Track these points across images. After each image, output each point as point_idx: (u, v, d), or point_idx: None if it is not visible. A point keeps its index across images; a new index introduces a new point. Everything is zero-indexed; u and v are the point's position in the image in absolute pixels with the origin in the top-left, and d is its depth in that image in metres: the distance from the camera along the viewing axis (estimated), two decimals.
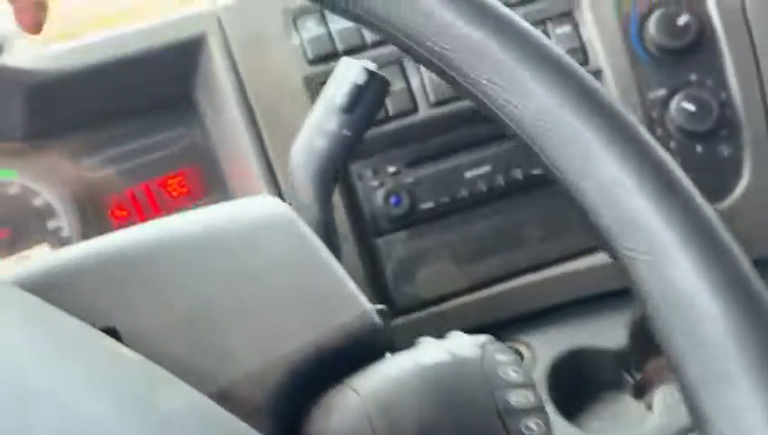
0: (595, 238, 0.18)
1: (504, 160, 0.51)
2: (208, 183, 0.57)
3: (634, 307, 0.52)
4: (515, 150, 0.51)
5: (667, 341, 0.16)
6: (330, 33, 0.51)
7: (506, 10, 0.19)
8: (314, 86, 0.50)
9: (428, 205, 0.51)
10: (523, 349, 0.52)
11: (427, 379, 0.23)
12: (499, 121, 0.19)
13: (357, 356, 0.24)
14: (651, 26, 0.51)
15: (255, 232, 0.25)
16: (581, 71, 0.18)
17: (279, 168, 0.49)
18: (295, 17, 0.51)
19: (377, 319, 0.25)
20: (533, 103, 0.18)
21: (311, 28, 0.51)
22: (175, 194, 0.56)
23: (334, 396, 0.23)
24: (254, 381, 0.22)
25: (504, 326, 0.52)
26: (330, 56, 0.51)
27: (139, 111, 0.54)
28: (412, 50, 0.19)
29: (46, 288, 0.19)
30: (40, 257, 0.50)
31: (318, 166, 0.34)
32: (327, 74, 0.50)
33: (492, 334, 0.26)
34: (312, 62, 0.51)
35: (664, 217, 0.16)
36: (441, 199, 0.51)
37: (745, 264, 0.16)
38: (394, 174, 0.51)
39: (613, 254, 0.17)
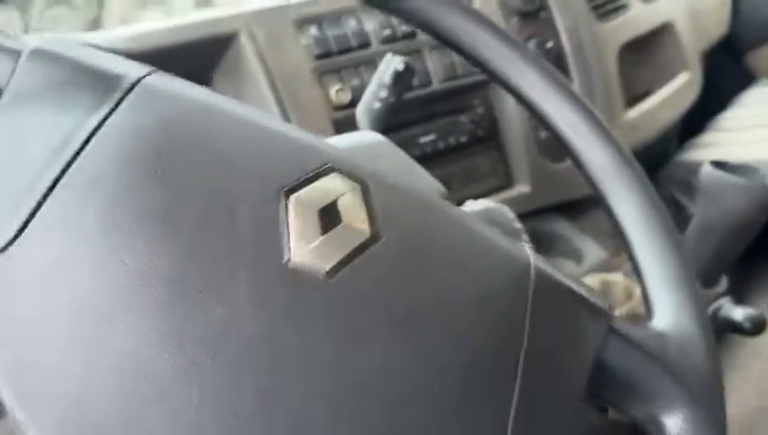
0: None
1: (444, 131, 0.76)
2: None
3: None
4: (452, 124, 0.76)
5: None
6: (327, 38, 0.72)
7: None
8: (318, 75, 0.71)
9: None
10: None
11: None
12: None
13: None
14: (529, 47, 0.80)
15: (378, 143, 0.46)
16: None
17: None
18: (301, 24, 0.71)
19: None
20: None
21: (313, 33, 0.71)
22: None
23: None
24: None
25: None
26: (328, 54, 0.71)
27: None
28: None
29: None
30: None
31: (376, 119, 0.55)
32: (327, 66, 0.71)
33: None
34: (317, 57, 0.71)
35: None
36: None
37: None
38: None
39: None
